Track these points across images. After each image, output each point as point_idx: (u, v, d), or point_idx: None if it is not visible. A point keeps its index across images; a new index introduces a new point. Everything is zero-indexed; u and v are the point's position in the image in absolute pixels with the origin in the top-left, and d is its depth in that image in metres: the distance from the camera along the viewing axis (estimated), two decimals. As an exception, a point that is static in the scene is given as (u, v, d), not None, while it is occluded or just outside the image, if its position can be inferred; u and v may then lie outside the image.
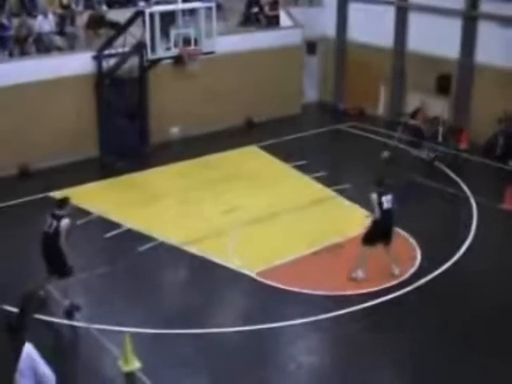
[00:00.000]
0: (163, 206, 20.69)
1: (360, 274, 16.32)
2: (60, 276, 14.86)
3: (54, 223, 14.50)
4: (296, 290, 15.92)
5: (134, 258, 17.54)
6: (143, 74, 24.30)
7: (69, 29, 25.19)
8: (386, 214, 15.94)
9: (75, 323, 14.66)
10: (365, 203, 20.04)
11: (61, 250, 14.52)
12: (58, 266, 14.70)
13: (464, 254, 17.70)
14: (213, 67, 25.14)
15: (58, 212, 14.63)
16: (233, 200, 20.81)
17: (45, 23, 24.08)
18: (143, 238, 18.38)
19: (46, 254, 14.71)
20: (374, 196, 15.88)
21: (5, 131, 21.96)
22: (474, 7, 25.64)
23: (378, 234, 16.19)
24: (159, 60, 22.91)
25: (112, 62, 23.63)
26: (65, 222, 14.48)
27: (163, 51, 22.14)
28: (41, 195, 20.77)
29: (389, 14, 28.30)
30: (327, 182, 22.22)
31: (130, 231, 18.89)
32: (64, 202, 14.83)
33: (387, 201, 15.95)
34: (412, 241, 18.27)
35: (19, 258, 17.28)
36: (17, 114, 22.30)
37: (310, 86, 31.46)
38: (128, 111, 24.13)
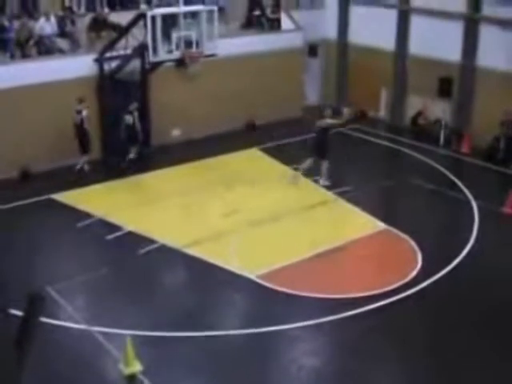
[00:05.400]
0: (165, 208, 20.67)
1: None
2: (86, 151, 22.98)
3: (79, 116, 22.32)
4: (297, 292, 15.89)
5: (136, 260, 17.55)
6: (145, 77, 24.34)
7: (69, 28, 25.16)
8: (127, 128, 23.02)
9: (76, 326, 14.67)
10: (366, 206, 20.26)
11: (88, 132, 22.78)
12: (86, 144, 22.84)
13: (465, 257, 17.67)
14: (214, 70, 25.13)
15: (79, 107, 22.28)
16: (234, 202, 20.79)
17: (46, 26, 24.05)
18: (144, 241, 18.37)
19: (79, 138, 22.71)
20: (127, 116, 22.99)
21: (6, 133, 21.95)
22: (476, 10, 25.61)
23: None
24: (161, 63, 22.93)
25: (114, 64, 23.66)
26: (85, 112, 22.49)
27: (165, 54, 22.17)
28: (43, 197, 20.78)
29: (391, 16, 28.28)
30: (328, 184, 22.19)
31: (131, 233, 18.88)
32: (83, 99, 22.41)
33: (128, 120, 22.98)
34: (413, 243, 18.25)
35: (23, 260, 17.31)
36: (18, 116, 22.28)
37: (311, 89, 31.45)
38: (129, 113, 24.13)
